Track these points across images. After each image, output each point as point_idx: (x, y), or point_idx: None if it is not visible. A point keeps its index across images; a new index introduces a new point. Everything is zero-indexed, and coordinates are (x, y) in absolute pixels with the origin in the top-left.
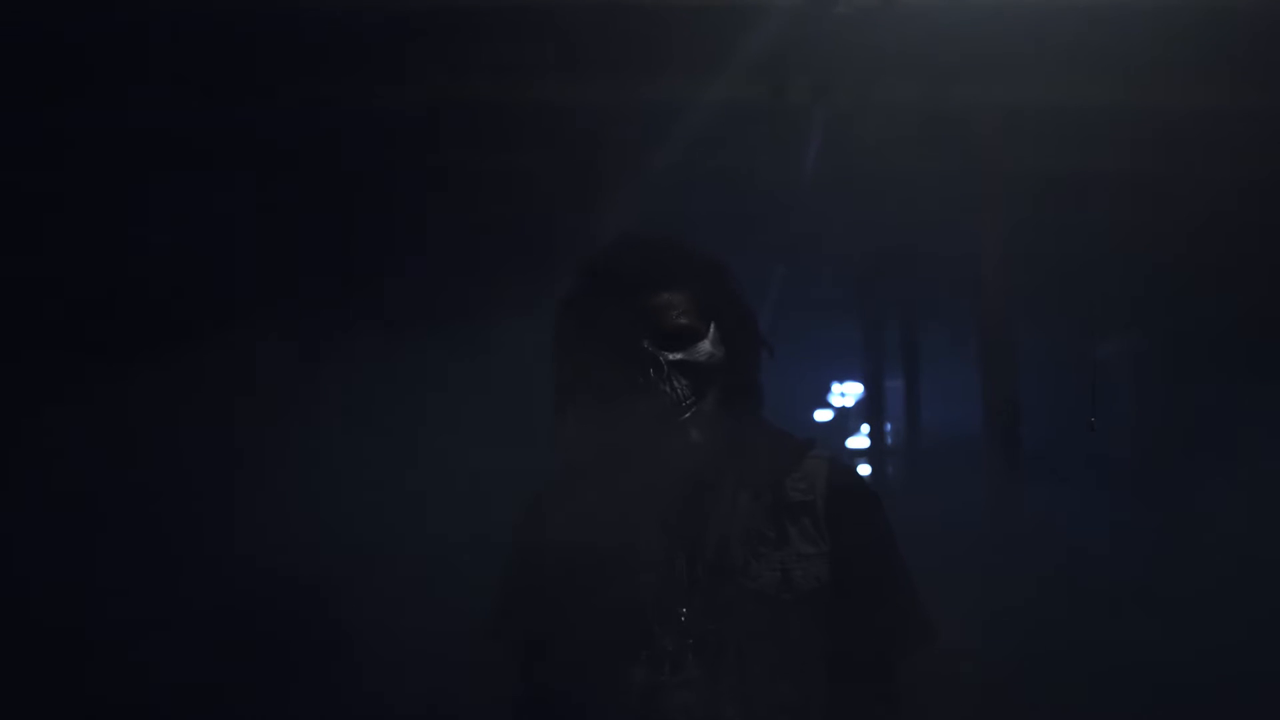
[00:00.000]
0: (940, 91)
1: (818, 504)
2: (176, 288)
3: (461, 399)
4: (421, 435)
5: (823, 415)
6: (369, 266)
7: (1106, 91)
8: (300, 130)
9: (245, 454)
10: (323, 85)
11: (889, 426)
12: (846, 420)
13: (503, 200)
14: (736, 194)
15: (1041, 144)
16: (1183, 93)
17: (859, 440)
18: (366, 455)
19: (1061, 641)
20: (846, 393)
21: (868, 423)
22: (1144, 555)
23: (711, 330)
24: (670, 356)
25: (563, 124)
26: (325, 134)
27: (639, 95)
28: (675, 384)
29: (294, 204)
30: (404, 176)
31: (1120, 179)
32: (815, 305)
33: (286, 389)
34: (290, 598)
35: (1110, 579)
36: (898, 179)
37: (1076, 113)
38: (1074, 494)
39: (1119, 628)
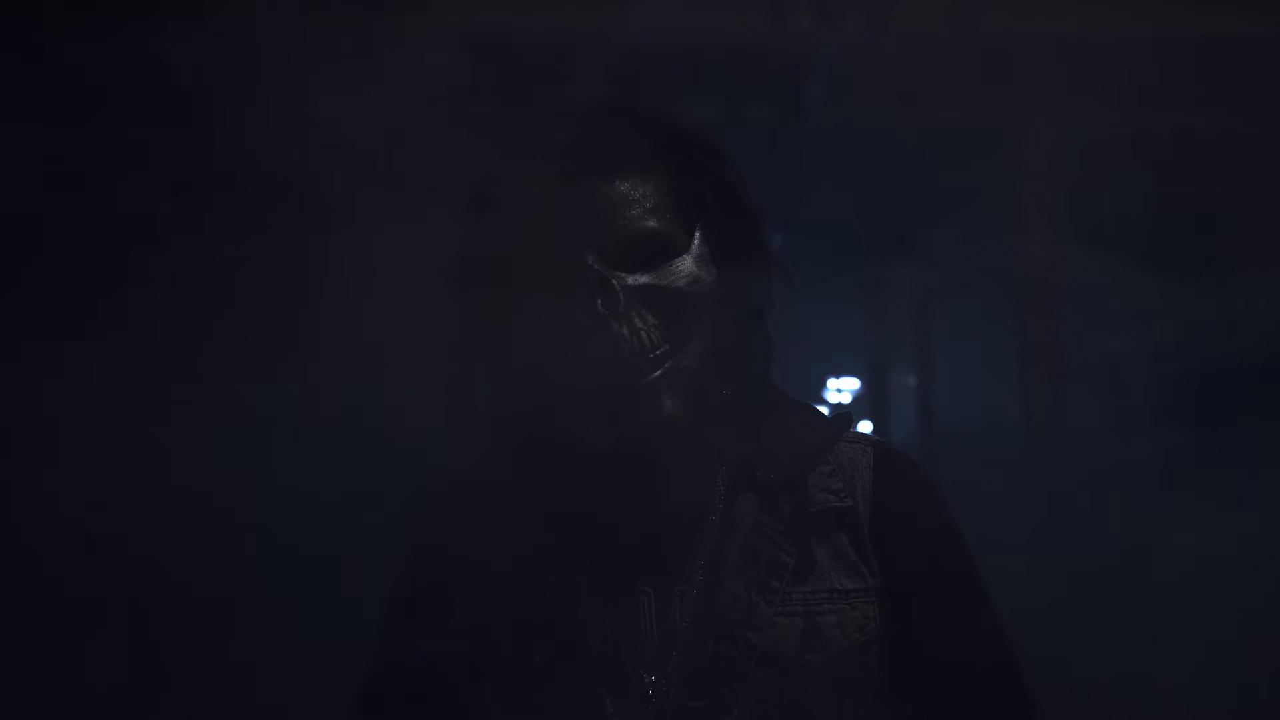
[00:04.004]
0: (971, 21)
1: (860, 513)
2: None
3: None
4: None
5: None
6: None
7: (1171, 23)
8: None
9: None
10: None
11: (893, 421)
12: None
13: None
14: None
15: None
16: None
17: None
18: None
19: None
20: (844, 388)
21: (869, 419)
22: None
23: (695, 241)
24: (630, 280)
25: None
26: None
27: (601, 23)
28: (637, 322)
29: None
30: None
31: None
32: (812, 284)
33: None
34: None
35: (1160, 589)
36: (916, 128)
37: (1137, 52)
38: (1126, 496)
39: (1159, 647)
